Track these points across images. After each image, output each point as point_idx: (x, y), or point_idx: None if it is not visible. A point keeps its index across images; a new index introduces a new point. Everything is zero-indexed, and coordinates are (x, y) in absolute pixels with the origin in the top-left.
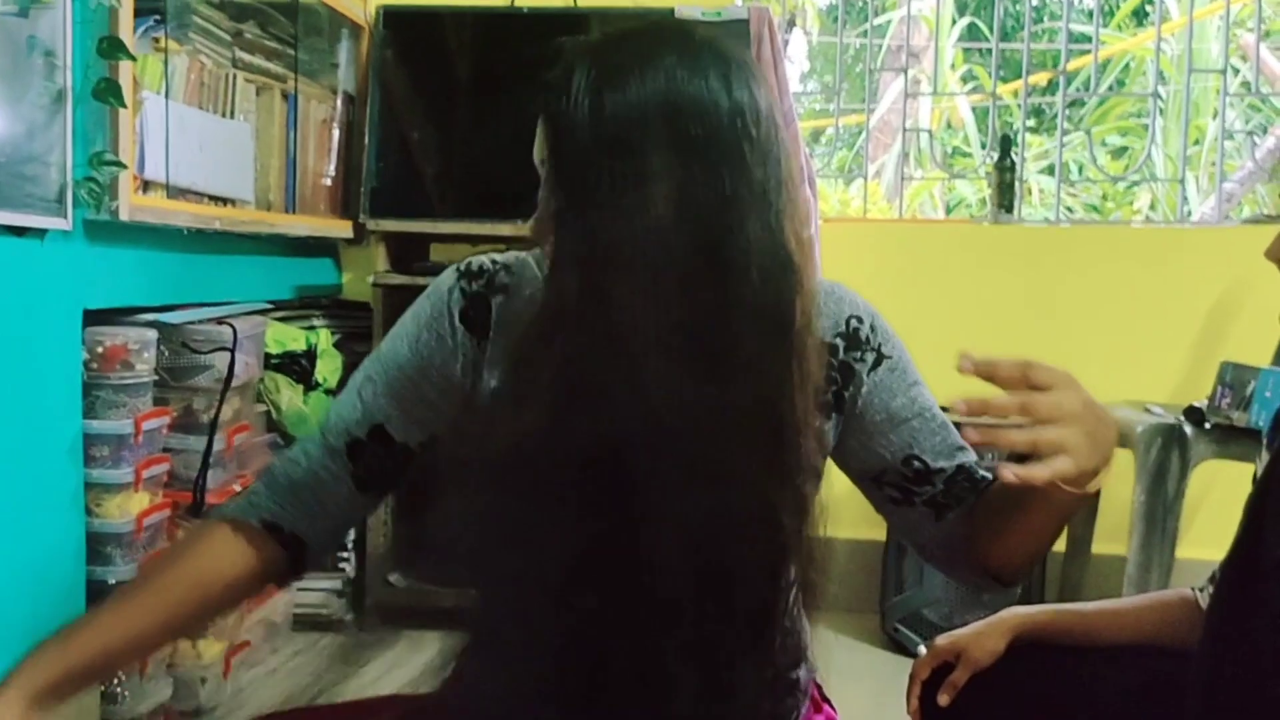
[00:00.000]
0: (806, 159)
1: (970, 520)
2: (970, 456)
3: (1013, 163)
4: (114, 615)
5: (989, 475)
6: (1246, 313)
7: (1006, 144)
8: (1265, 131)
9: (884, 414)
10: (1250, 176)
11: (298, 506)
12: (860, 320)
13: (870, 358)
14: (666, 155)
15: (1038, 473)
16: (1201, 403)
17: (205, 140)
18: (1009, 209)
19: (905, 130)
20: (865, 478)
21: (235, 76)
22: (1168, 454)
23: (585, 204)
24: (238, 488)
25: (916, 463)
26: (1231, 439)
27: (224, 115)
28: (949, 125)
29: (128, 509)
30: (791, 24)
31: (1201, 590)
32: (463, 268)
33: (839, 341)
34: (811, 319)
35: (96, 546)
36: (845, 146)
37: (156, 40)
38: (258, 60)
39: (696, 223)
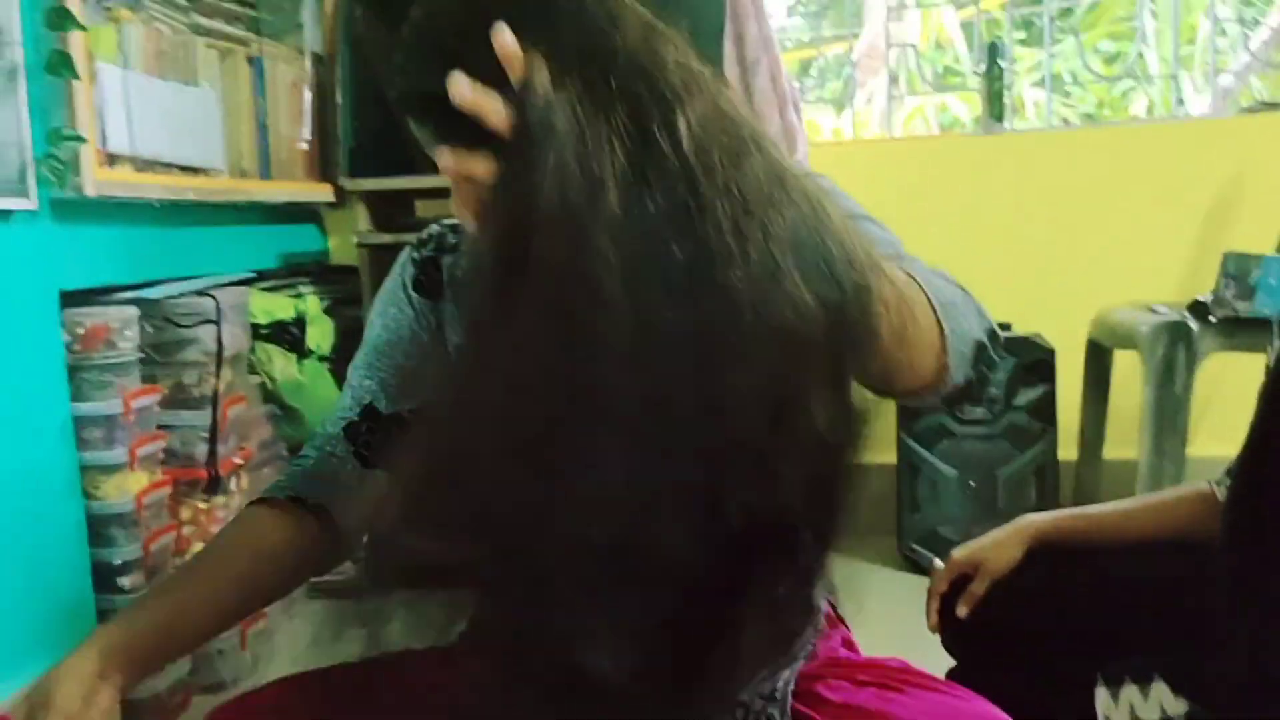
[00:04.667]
0: (788, 80)
1: None
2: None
3: (1000, 70)
4: (180, 587)
5: None
6: (1247, 203)
7: (993, 52)
8: (1258, 24)
9: None
10: (1246, 69)
11: (317, 487)
12: None
13: None
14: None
15: None
16: (1206, 296)
17: (169, 109)
18: (999, 118)
19: (890, 45)
20: None
21: (195, 43)
22: (1174, 351)
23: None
24: (238, 460)
25: None
26: (1239, 330)
27: (186, 83)
28: (938, 45)
29: (126, 489)
30: None
31: (1219, 483)
32: (416, 238)
33: None
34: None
35: (98, 529)
36: (834, 76)
37: (109, 9)
38: (218, 24)
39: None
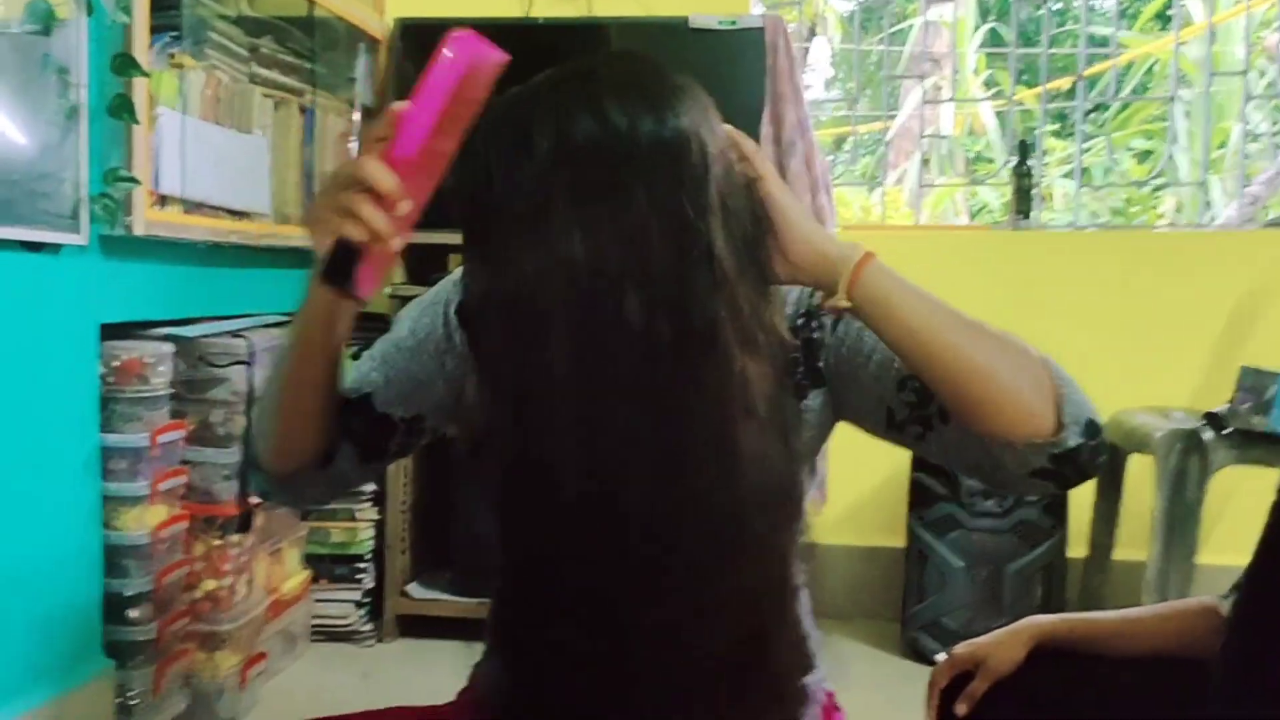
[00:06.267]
0: (822, 165)
1: None
2: None
3: (1029, 168)
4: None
5: None
6: (1267, 316)
7: (1025, 149)
8: None
9: (862, 355)
10: (1275, 179)
11: None
12: (814, 293)
13: (828, 319)
14: (568, 204)
15: None
16: (1221, 408)
17: (221, 155)
18: (1027, 215)
19: (924, 136)
20: (886, 430)
21: (252, 91)
22: (1187, 459)
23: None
24: (255, 500)
25: (911, 383)
26: (1251, 444)
27: (241, 130)
28: (972, 131)
29: (144, 521)
30: (813, 32)
31: (1225, 598)
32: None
33: (800, 322)
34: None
35: (113, 559)
36: (868, 153)
37: (173, 56)
38: (275, 75)
39: (608, 259)
